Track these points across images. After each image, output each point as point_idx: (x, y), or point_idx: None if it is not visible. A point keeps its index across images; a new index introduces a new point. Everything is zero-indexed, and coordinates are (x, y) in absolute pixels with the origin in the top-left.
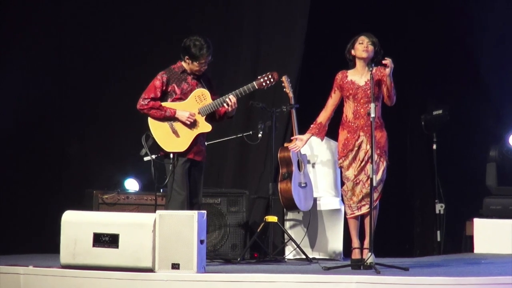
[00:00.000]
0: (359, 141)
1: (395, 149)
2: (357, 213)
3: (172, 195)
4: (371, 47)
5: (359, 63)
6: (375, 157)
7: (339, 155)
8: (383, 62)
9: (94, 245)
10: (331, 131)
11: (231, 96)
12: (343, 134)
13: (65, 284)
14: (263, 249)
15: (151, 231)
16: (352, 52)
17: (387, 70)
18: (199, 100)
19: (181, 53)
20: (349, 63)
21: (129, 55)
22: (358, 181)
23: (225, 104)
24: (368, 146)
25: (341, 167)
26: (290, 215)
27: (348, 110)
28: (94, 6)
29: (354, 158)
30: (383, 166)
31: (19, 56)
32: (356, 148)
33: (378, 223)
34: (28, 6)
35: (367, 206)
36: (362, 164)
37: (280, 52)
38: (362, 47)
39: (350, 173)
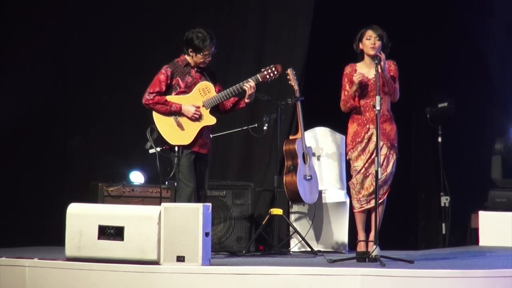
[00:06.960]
0: (369, 133)
1: (400, 142)
2: (366, 206)
3: (179, 187)
4: (378, 43)
5: (367, 57)
6: (385, 150)
7: (348, 147)
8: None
9: (99, 238)
10: (337, 124)
11: (235, 88)
12: (352, 127)
13: (70, 277)
14: (268, 242)
15: (156, 223)
16: (360, 46)
17: (381, 64)
18: (203, 93)
19: (184, 46)
20: (358, 56)
21: (134, 49)
22: (368, 174)
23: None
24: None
25: (349, 159)
26: (295, 208)
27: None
28: (100, 2)
29: (363, 150)
30: (393, 159)
31: (23, 50)
32: (366, 141)
33: (384, 215)
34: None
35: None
36: (372, 157)
37: (285, 45)
38: (370, 43)
39: (359, 164)
